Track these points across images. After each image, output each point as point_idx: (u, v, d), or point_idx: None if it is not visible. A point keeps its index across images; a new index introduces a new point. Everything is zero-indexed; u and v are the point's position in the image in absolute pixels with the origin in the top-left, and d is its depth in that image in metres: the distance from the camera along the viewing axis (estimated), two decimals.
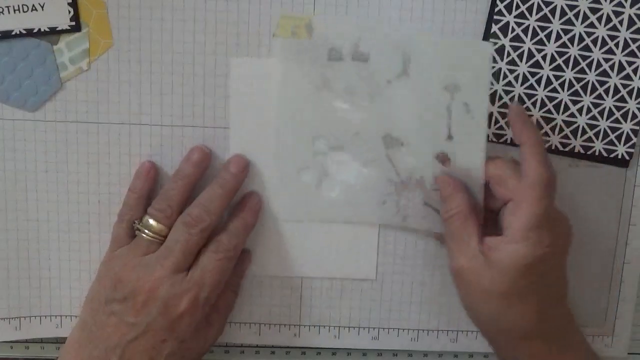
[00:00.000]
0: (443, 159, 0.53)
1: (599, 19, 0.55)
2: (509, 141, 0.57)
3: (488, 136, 0.56)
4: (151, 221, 0.53)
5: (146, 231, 0.53)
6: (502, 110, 0.56)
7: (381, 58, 0.54)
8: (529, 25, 0.55)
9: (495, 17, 0.55)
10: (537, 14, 0.55)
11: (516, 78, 0.56)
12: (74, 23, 0.54)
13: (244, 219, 0.56)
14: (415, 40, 0.53)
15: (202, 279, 0.52)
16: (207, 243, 0.54)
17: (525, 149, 0.49)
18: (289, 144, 0.56)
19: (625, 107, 0.56)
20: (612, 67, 0.55)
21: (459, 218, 0.51)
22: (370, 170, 0.56)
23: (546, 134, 0.57)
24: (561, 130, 0.57)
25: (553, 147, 0.57)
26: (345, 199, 0.57)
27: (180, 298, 0.52)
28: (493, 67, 0.55)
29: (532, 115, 0.56)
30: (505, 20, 0.55)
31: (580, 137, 0.57)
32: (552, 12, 0.54)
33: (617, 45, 0.55)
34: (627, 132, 0.56)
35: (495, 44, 0.55)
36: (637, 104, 0.56)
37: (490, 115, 0.56)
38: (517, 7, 0.55)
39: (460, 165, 0.52)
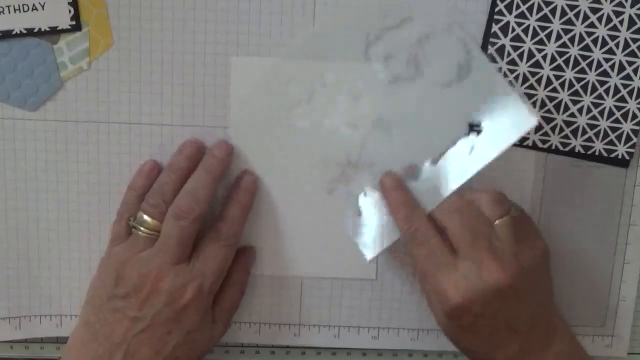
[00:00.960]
0: (411, 169, 0.54)
1: (599, 19, 0.55)
2: None
3: None
4: (145, 217, 0.53)
5: (142, 228, 0.53)
6: None
7: (436, 64, 0.54)
8: (529, 25, 0.55)
9: (495, 17, 0.55)
10: (537, 13, 0.55)
11: (516, 78, 0.56)
12: (74, 22, 0.54)
13: (240, 202, 0.55)
14: (481, 68, 0.53)
15: (204, 268, 0.53)
16: (206, 231, 0.54)
17: (390, 211, 0.54)
18: (286, 69, 0.55)
19: (625, 107, 0.56)
20: (612, 67, 0.55)
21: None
22: (340, 130, 0.56)
23: (546, 133, 0.57)
24: (561, 130, 0.57)
25: (553, 147, 0.57)
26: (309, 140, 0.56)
27: (185, 288, 0.52)
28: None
29: None
30: (505, 20, 0.55)
31: (581, 137, 0.57)
32: (553, 12, 0.54)
33: (617, 45, 0.55)
34: (627, 132, 0.56)
35: (495, 45, 0.55)
36: (637, 104, 0.56)
37: None
38: (518, 7, 0.55)
39: (421, 189, 0.54)
